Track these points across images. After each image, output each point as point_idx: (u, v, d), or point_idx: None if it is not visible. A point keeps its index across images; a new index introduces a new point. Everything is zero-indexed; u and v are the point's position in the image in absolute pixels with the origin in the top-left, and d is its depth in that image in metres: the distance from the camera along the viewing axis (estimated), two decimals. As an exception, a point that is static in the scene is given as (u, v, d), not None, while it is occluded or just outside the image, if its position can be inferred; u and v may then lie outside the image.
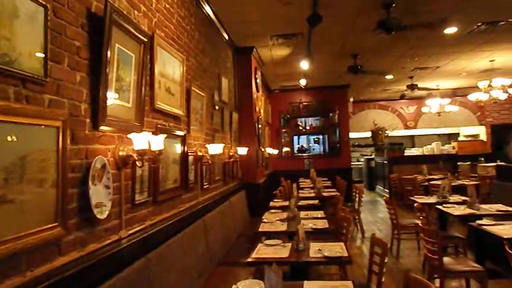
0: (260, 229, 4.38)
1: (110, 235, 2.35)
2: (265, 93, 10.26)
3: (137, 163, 2.55)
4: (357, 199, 7.39)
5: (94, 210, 2.12)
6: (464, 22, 5.83)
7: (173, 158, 3.53)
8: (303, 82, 9.23)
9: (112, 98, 2.38)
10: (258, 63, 7.61)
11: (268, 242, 3.64)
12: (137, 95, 2.74)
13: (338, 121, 11.24)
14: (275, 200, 6.56)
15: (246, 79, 7.01)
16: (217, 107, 5.27)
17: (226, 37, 6.06)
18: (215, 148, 4.42)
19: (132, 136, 2.48)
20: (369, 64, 7.98)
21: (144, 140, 2.47)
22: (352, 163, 15.37)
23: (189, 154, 3.90)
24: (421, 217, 4.64)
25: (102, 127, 2.27)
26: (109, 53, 2.29)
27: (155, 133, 2.88)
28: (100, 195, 2.19)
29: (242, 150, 6.13)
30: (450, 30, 6.12)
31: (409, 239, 6.08)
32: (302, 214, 5.11)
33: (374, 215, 9.28)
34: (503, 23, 5.88)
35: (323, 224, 4.41)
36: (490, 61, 8.48)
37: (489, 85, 9.02)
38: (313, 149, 11.96)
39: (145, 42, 2.82)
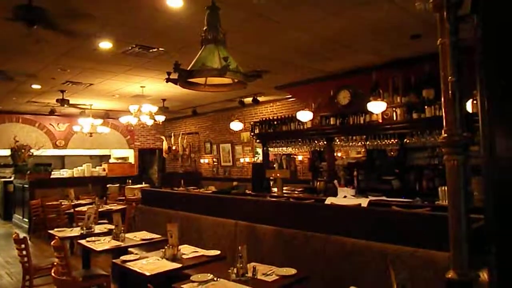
0: None
1: None
2: None
3: None
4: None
5: None
6: (120, 39, 5.54)
7: None
8: None
9: None
10: None
11: None
12: None
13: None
14: None
15: None
16: None
17: None
18: None
19: None
20: (10, 64, 6.43)
21: None
22: (-17, 187, 12.44)
23: None
24: (57, 258, 3.77)
25: None
26: None
27: None
28: None
29: None
30: (105, 44, 5.70)
31: (49, 284, 4.85)
32: None
33: (7, 253, 7.47)
34: (154, 50, 6.03)
35: None
36: (141, 87, 8.77)
37: (139, 110, 9.35)
38: None
39: None
